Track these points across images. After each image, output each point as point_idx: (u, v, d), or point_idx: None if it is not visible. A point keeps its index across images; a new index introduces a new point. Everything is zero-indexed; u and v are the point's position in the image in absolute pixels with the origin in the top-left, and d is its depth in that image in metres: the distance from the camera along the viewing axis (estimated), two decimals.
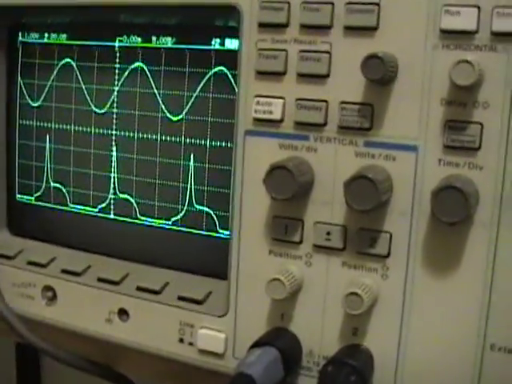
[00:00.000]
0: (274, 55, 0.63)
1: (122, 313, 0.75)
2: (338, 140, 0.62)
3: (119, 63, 0.77)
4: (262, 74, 0.64)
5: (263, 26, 0.64)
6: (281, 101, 0.64)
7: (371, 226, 0.61)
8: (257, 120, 0.65)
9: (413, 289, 0.61)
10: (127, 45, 0.76)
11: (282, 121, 0.64)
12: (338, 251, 0.63)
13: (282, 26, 0.63)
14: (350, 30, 0.60)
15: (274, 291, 0.63)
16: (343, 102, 0.61)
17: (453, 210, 0.54)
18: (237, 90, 0.66)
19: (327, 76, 0.62)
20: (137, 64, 0.76)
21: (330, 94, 0.62)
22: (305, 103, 0.63)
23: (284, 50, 0.63)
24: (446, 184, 0.55)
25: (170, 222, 0.76)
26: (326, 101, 0.62)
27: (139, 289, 0.74)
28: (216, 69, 0.71)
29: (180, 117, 0.73)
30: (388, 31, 0.59)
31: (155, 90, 0.75)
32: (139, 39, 0.75)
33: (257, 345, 0.64)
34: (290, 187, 0.60)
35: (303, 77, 0.63)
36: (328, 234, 0.63)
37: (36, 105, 0.83)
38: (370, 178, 0.57)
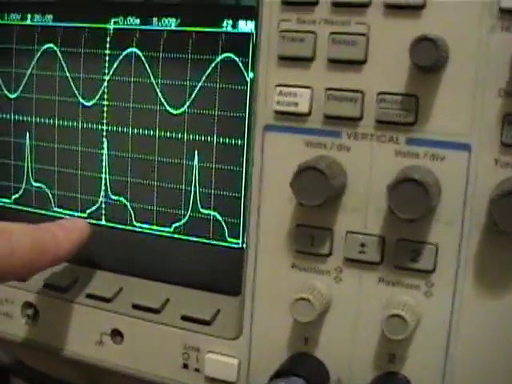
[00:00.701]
0: (301, 38, 0.55)
1: (116, 334, 0.67)
2: (375, 137, 0.54)
3: (110, 49, 0.68)
4: (285, 60, 0.56)
5: (287, 3, 0.56)
6: (308, 91, 0.56)
7: (414, 236, 0.54)
8: (279, 113, 0.57)
9: (461, 309, 0.53)
10: (123, 27, 0.67)
11: (309, 114, 0.56)
12: (373, 265, 0.55)
13: (309, 4, 0.55)
14: (391, 8, 0.52)
15: (301, 312, 0.55)
16: (382, 93, 0.53)
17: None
18: (252, 78, 0.59)
19: (363, 62, 0.54)
20: (131, 50, 0.67)
21: (366, 83, 0.54)
22: (336, 94, 0.55)
23: (312, 31, 0.55)
24: (507, 189, 0.47)
25: (170, 229, 0.68)
26: (361, 91, 0.54)
27: (135, 307, 0.66)
28: (224, 55, 0.63)
29: (182, 110, 0.65)
30: (436, 10, 0.51)
31: (152, 80, 0.66)
32: (137, 20, 0.66)
33: (280, 374, 0.56)
34: (322, 192, 0.52)
35: (335, 63, 0.55)
36: (362, 245, 0.55)
37: (13, 96, 0.74)
38: (420, 180, 0.49)
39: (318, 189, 0.52)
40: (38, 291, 0.70)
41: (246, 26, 0.62)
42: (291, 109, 0.56)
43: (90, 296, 0.68)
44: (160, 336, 0.65)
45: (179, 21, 0.65)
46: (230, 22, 0.62)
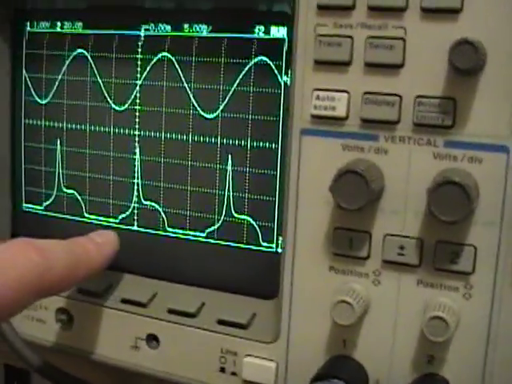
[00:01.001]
0: (338, 42, 0.55)
1: (151, 339, 0.67)
2: (413, 140, 0.54)
3: (142, 53, 0.68)
4: (322, 65, 0.56)
5: (323, 8, 0.55)
6: (345, 95, 0.56)
7: (452, 238, 0.54)
8: (316, 117, 0.57)
9: (500, 310, 0.53)
10: (154, 34, 0.66)
11: (346, 118, 0.56)
12: (412, 267, 0.55)
13: (346, 9, 0.55)
14: (428, 12, 0.52)
15: (342, 315, 0.55)
16: (420, 96, 0.53)
17: None
18: (286, 81, 0.60)
19: (401, 66, 0.54)
20: (163, 54, 0.67)
21: (404, 86, 0.54)
22: (374, 98, 0.55)
23: (349, 36, 0.55)
24: None
25: (204, 234, 0.67)
26: (399, 95, 0.54)
27: (171, 311, 0.66)
28: (257, 59, 0.63)
29: (215, 114, 0.65)
30: (473, 13, 0.51)
31: (185, 84, 0.66)
32: (168, 27, 0.66)
33: (320, 377, 0.55)
34: (362, 195, 0.52)
35: (372, 67, 0.54)
36: (401, 248, 0.55)
37: (44, 102, 0.74)
38: (460, 183, 0.49)
39: (359, 192, 0.52)
40: (72, 297, 0.70)
41: (278, 32, 0.62)
42: (328, 113, 0.56)
43: (125, 301, 0.68)
44: (196, 340, 0.64)
45: (211, 27, 0.65)
46: (262, 27, 0.62)
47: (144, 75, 0.68)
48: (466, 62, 0.49)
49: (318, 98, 0.56)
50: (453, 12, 0.51)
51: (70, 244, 0.61)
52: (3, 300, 0.51)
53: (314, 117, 0.57)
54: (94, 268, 0.62)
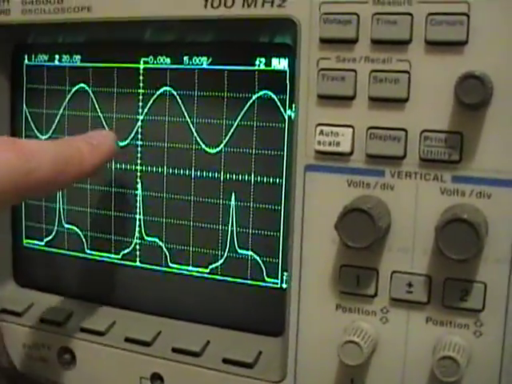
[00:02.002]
0: (341, 76, 0.54)
1: (156, 378, 0.66)
2: (419, 175, 0.53)
3: (143, 88, 0.67)
4: (325, 99, 0.55)
5: (326, 41, 0.55)
6: (350, 130, 0.55)
7: (462, 275, 0.53)
8: (320, 153, 0.56)
9: None
10: (153, 66, 0.66)
11: (351, 153, 0.55)
12: (421, 305, 0.54)
13: (349, 42, 0.54)
14: (433, 45, 0.52)
15: (350, 356, 0.53)
16: (426, 131, 0.52)
17: None
18: (290, 115, 0.59)
19: (406, 100, 0.53)
20: (165, 88, 0.66)
21: (409, 121, 0.53)
22: (379, 132, 0.54)
23: (353, 70, 0.54)
24: None
25: (207, 270, 0.66)
26: (404, 129, 0.53)
27: (175, 350, 0.65)
28: (260, 93, 0.62)
29: (218, 149, 0.64)
30: (480, 45, 0.50)
31: (188, 119, 0.65)
32: (168, 60, 0.66)
33: None
34: (369, 233, 0.51)
35: (376, 101, 0.54)
36: (409, 285, 0.54)
37: (45, 137, 0.73)
38: (469, 220, 0.48)
39: (365, 230, 0.51)
40: (75, 336, 0.69)
41: (279, 64, 0.61)
42: (333, 148, 0.55)
43: (128, 340, 0.66)
44: (201, 379, 0.63)
45: (211, 59, 0.64)
46: (263, 59, 0.62)
47: (146, 110, 0.67)
48: (473, 97, 0.48)
49: (321, 133, 0.55)
50: (458, 44, 0.51)
51: (60, 144, 0.56)
52: None
53: (318, 152, 0.56)
54: (84, 172, 0.56)
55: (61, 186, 0.58)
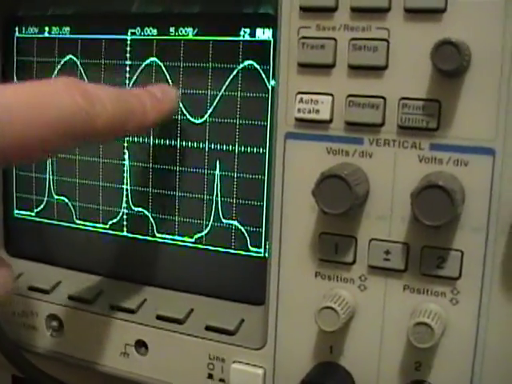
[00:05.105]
0: (321, 44, 0.54)
1: (140, 345, 0.66)
2: (398, 143, 0.53)
3: (130, 59, 0.67)
4: (305, 67, 0.55)
5: (306, 10, 0.55)
6: (329, 98, 0.55)
7: (439, 243, 0.53)
8: (300, 120, 0.56)
9: (488, 316, 0.52)
10: (140, 37, 0.66)
11: (330, 121, 0.55)
12: (398, 273, 0.54)
13: (329, 10, 0.54)
14: (411, 12, 0.51)
15: (326, 322, 0.54)
16: (404, 98, 0.52)
17: None
18: (274, 85, 0.58)
19: (385, 68, 0.53)
20: (151, 59, 0.66)
21: (388, 89, 0.53)
22: (358, 100, 0.54)
23: (332, 38, 0.54)
24: None
25: (192, 240, 0.67)
26: (383, 97, 0.53)
27: (159, 318, 0.65)
28: (245, 63, 0.62)
29: (203, 119, 0.65)
30: (458, 14, 0.50)
31: None
32: (155, 31, 0.66)
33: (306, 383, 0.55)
34: (345, 200, 0.51)
35: (356, 69, 0.54)
36: (387, 253, 0.54)
37: None
38: (444, 187, 0.48)
39: (342, 197, 0.51)
40: (63, 303, 0.70)
41: (263, 34, 0.61)
42: (312, 116, 0.55)
43: (114, 308, 0.67)
44: (185, 347, 0.64)
45: (196, 30, 0.64)
46: (248, 30, 0.62)
47: (133, 80, 0.67)
48: (449, 63, 0.48)
49: (301, 101, 0.55)
50: (436, 12, 0.51)
51: (124, 94, 0.56)
52: (35, 140, 0.46)
53: (298, 120, 0.56)
54: (145, 125, 0.56)
55: (118, 136, 0.57)
